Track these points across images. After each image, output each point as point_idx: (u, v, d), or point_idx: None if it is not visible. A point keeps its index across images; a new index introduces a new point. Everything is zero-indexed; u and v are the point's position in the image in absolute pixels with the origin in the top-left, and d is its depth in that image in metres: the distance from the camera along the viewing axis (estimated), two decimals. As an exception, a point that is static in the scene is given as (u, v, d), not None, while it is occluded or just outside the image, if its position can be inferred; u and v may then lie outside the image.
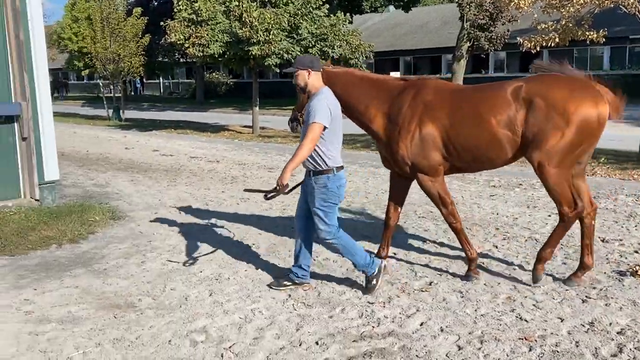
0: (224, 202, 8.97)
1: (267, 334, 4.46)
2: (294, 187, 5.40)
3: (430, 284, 5.42)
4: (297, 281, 5.36)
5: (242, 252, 6.43)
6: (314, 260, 5.84)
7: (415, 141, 5.30)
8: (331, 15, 18.10)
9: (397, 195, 5.74)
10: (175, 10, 18.45)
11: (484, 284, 5.34)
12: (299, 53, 16.06)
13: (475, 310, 4.78)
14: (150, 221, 7.83)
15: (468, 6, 21.59)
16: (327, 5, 17.98)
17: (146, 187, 10.43)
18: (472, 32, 22.33)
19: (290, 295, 5.19)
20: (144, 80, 52.74)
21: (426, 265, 5.90)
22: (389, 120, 5.45)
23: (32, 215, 7.69)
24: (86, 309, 4.99)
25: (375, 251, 5.87)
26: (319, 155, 4.95)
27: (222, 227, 7.47)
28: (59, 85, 53.90)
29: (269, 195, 5.33)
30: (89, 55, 29.53)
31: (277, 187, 5.04)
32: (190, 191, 9.89)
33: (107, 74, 27.94)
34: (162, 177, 11.33)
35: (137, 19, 28.08)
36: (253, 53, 16.50)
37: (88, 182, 10.94)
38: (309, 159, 4.96)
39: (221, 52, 17.37)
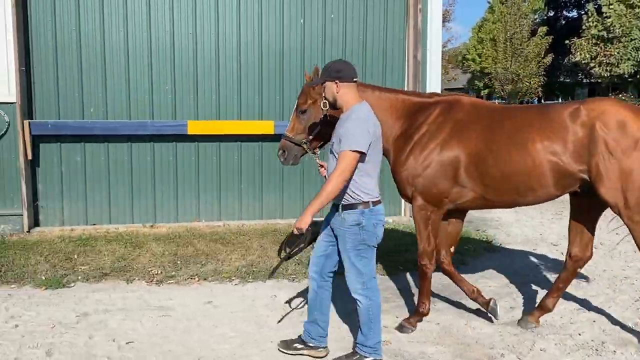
0: (617, 247, 7.50)
1: None
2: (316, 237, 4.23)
3: None
4: (310, 344, 4.30)
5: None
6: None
7: (428, 161, 4.51)
8: None
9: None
10: (583, 27, 17.02)
11: None
12: None
13: None
14: (527, 258, 7.00)
15: None
16: None
17: (529, 217, 9.56)
18: None
19: None
20: (542, 101, 51.29)
21: None
22: (403, 135, 4.66)
23: (408, 235, 7.67)
24: (443, 352, 4.50)
25: None
26: (352, 186, 3.89)
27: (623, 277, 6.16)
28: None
29: (285, 252, 4.25)
30: (489, 76, 29.81)
31: (293, 234, 3.98)
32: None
33: (505, 94, 27.70)
34: (548, 207, 10.28)
35: (542, 38, 27.07)
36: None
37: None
38: None
39: (632, 71, 15.32)
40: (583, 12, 32.30)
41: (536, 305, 5.17)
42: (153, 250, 6.81)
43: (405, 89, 8.48)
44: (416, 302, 4.97)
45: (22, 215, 7.56)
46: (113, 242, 7.07)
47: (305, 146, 4.59)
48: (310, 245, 4.35)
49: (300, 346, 4.34)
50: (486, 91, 38.41)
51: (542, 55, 27.29)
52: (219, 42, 8.06)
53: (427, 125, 4.64)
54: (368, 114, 3.97)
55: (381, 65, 8.50)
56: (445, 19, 31.07)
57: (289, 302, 5.44)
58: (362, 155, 3.84)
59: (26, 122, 7.43)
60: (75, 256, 6.56)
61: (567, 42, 17.82)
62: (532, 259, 7.01)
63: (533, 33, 28.91)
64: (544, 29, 28.73)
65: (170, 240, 7.27)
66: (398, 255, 6.84)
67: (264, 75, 8.20)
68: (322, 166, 4.49)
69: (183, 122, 7.90)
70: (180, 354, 4.38)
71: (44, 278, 5.91)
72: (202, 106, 8.11)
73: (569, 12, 39.47)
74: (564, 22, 38.60)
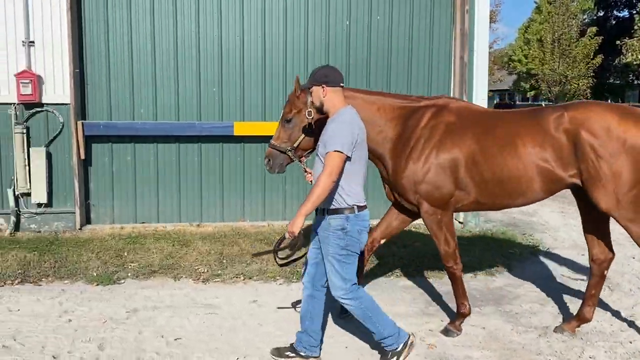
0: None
1: None
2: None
3: None
4: (302, 353, 4.28)
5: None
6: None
7: (428, 165, 4.55)
8: None
9: (388, 228, 5.08)
10: (635, 27, 16.54)
11: None
12: None
13: None
14: (574, 263, 6.85)
15: None
16: None
17: (577, 221, 9.33)
18: None
19: None
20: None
21: None
22: (398, 141, 4.68)
23: (453, 237, 7.61)
24: (489, 357, 4.46)
25: None
26: (336, 190, 3.93)
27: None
28: (503, 106, 55.52)
29: (280, 260, 4.27)
30: (536, 77, 29.27)
31: (285, 238, 4.01)
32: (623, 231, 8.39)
33: (552, 96, 27.16)
34: (597, 213, 10.02)
35: (591, 38, 26.43)
36: None
37: (514, 209, 10.45)
38: None
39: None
40: (635, 12, 31.45)
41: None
42: (199, 249, 6.94)
43: (451, 91, 8.41)
44: (456, 305, 4.93)
45: (74, 213, 7.81)
46: (161, 240, 7.23)
47: (290, 154, 4.61)
48: (306, 248, 4.36)
49: (291, 355, 4.32)
50: (532, 93, 37.72)
51: (591, 56, 26.63)
52: (265, 44, 8.15)
53: (421, 129, 4.67)
54: (353, 117, 4.01)
55: (427, 67, 8.45)
56: (491, 20, 30.64)
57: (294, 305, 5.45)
58: (347, 158, 3.87)
59: (79, 122, 7.66)
60: (125, 253, 6.73)
61: (617, 42, 17.30)
62: (580, 264, 6.86)
63: (582, 33, 28.24)
64: (594, 29, 28.03)
65: (216, 239, 7.39)
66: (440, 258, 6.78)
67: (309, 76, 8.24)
68: (308, 172, 4.51)
69: (230, 123, 8.02)
70: (226, 352, 4.46)
71: (95, 274, 6.10)
72: (248, 107, 8.21)
73: (619, 12, 38.39)
74: (614, 22, 37.53)
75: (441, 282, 6.11)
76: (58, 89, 7.64)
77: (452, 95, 8.40)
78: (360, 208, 4.01)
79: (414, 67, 8.43)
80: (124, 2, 7.84)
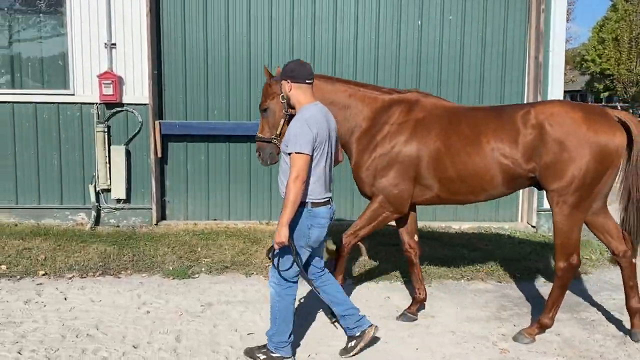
0: None
1: None
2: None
3: None
4: (273, 353, 4.22)
5: None
6: None
7: (388, 162, 4.68)
8: None
9: (411, 224, 5.10)
10: None
11: None
12: None
13: None
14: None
15: None
16: None
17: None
18: None
19: None
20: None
21: None
22: (366, 133, 4.80)
23: (526, 241, 7.45)
24: (564, 365, 4.35)
25: None
26: None
27: None
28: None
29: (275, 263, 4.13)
30: (611, 78, 28.19)
31: (275, 250, 4.01)
32: None
33: (628, 97, 26.08)
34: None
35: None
36: None
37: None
38: (280, 183, 4.08)
39: None
40: None
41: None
42: (269, 247, 7.06)
43: (525, 91, 8.23)
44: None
45: (151, 209, 8.10)
46: (233, 237, 7.41)
47: (276, 142, 4.70)
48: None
49: (263, 357, 4.27)
50: (606, 94, 36.29)
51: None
52: (335, 43, 8.21)
53: (389, 126, 4.77)
54: (314, 114, 3.96)
55: (500, 67, 8.30)
56: (564, 18, 29.67)
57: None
58: (311, 156, 3.89)
59: (157, 122, 7.95)
60: (199, 249, 6.94)
61: None
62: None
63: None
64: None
65: (286, 237, 7.49)
66: (516, 262, 6.65)
67: (379, 78, 8.25)
68: None
69: (299, 123, 8.11)
70: (297, 348, 4.53)
71: (171, 268, 6.32)
72: (318, 108, 8.28)
73: None
74: None
75: (514, 287, 6.00)
76: (137, 90, 7.95)
77: (525, 96, 8.23)
78: (315, 204, 4.01)
79: (486, 66, 8.29)
80: (200, 7, 8.08)
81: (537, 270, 6.45)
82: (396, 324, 5.00)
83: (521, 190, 8.39)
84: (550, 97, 8.08)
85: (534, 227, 8.14)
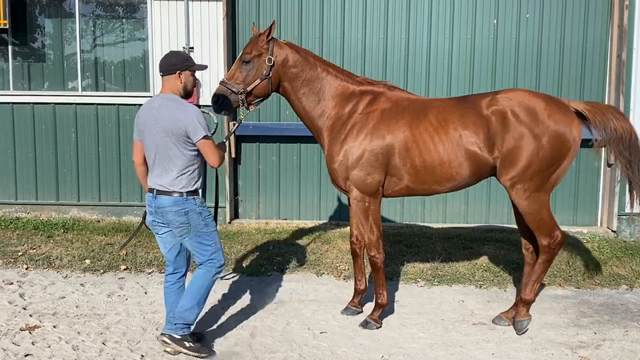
0: None
1: None
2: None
3: None
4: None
5: None
6: None
7: (360, 152, 4.63)
8: None
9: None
10: None
11: None
12: None
13: None
14: None
15: None
16: None
17: None
18: None
19: None
20: None
21: None
22: (336, 122, 4.79)
23: (606, 247, 7.16)
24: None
25: None
26: None
27: None
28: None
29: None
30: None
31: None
32: None
33: None
34: None
35: None
36: None
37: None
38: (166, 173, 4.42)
39: None
40: None
41: None
42: (340, 247, 7.09)
43: (607, 91, 7.92)
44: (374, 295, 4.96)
45: (225, 208, 8.30)
46: (303, 237, 7.49)
47: (241, 97, 4.61)
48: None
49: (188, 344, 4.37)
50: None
51: None
52: (409, 43, 8.15)
53: (357, 115, 4.74)
54: (146, 104, 4.33)
55: (580, 65, 8.01)
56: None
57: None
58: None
59: (231, 123, 8.14)
60: (271, 247, 7.05)
61: None
62: None
63: None
64: None
65: (356, 238, 7.50)
66: (596, 268, 6.40)
67: (453, 78, 8.14)
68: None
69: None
70: (371, 348, 4.54)
71: (244, 266, 6.45)
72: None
73: None
74: None
75: (594, 293, 5.78)
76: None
77: (606, 97, 7.92)
78: (148, 190, 4.35)
79: (565, 65, 8.02)
80: (274, 10, 8.21)
81: (618, 277, 6.20)
82: (471, 328, 4.92)
83: (601, 194, 8.09)
84: (633, 97, 7.73)
85: (614, 231, 7.81)
